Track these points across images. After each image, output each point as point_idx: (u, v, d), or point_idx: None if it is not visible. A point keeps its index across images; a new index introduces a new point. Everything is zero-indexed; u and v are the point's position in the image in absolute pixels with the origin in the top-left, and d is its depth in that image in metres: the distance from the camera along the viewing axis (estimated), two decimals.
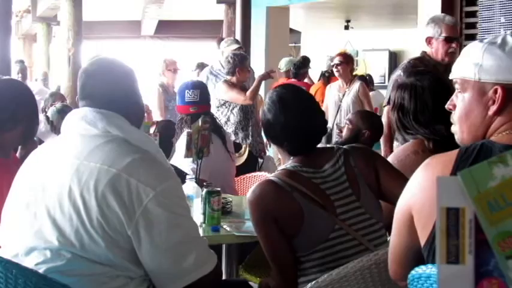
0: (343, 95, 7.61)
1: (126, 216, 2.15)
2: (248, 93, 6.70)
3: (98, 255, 2.17)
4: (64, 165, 2.26)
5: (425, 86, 3.11)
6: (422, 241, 1.79)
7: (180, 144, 4.52)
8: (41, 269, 2.17)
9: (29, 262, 2.20)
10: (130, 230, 2.16)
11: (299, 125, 2.81)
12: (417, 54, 5.01)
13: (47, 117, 6.37)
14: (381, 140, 4.76)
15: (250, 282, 3.41)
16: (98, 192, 2.16)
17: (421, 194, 1.79)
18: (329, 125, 6.20)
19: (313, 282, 2.44)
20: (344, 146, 2.88)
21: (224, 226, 3.38)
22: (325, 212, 2.70)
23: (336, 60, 7.69)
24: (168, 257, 2.21)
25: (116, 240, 2.17)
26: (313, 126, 2.85)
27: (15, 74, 9.02)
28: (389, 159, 3.09)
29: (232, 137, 6.40)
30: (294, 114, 2.82)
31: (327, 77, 9.08)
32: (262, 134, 7.13)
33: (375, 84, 11.28)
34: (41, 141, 4.60)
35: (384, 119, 4.77)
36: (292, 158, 2.84)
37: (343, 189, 2.76)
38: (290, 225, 2.69)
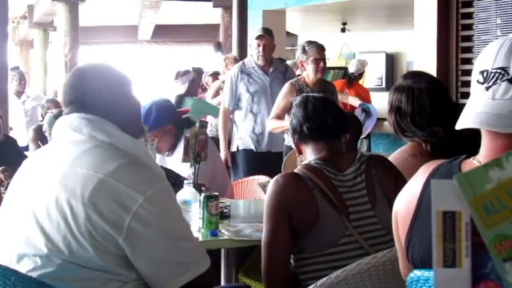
0: None
1: (115, 223, 2.14)
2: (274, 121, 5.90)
3: (87, 261, 2.16)
4: (51, 172, 2.26)
5: (423, 88, 3.11)
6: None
7: None
8: (34, 276, 2.17)
9: (20, 269, 2.19)
10: (122, 237, 2.15)
11: (317, 107, 2.94)
12: (414, 55, 5.03)
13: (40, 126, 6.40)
14: None
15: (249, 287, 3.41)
16: (84, 198, 2.15)
17: (404, 201, 1.80)
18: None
19: (312, 286, 2.45)
20: (367, 154, 2.92)
21: (222, 231, 3.38)
22: (339, 215, 2.71)
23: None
24: (164, 260, 2.21)
25: (105, 246, 2.16)
26: (330, 108, 2.98)
27: (15, 82, 9.01)
28: None
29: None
30: (313, 103, 2.96)
31: (352, 79, 9.22)
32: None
33: (372, 86, 11.29)
34: None
35: None
36: (316, 154, 2.87)
37: (360, 196, 2.78)
38: (303, 223, 2.71)
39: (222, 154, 6.28)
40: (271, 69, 6.40)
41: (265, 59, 6.37)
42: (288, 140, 5.87)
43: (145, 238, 2.17)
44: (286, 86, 5.88)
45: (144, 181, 2.20)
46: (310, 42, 6.01)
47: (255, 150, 6.31)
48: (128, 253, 2.18)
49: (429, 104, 3.08)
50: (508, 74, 1.59)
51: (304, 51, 5.92)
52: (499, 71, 1.60)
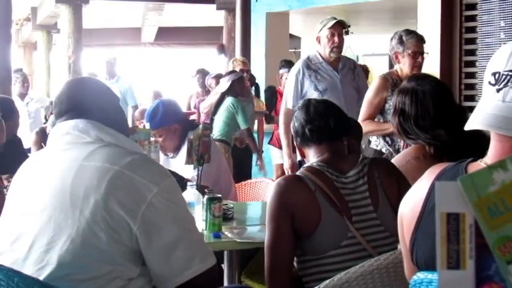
0: None
1: (131, 210, 2.21)
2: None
3: (98, 251, 2.20)
4: (61, 169, 2.31)
5: (426, 91, 3.10)
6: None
7: None
8: (41, 276, 2.19)
9: (28, 268, 2.22)
10: (136, 225, 2.21)
11: (319, 109, 2.95)
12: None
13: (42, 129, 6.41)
14: None
15: None
16: (101, 187, 2.21)
17: (409, 203, 1.79)
18: None
19: None
20: (370, 157, 2.92)
21: (226, 232, 3.38)
22: (341, 217, 2.72)
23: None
24: (174, 250, 2.26)
25: (119, 235, 2.21)
26: (332, 111, 2.99)
27: (18, 84, 9.02)
28: None
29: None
30: (314, 106, 2.97)
31: None
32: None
33: None
34: None
35: None
36: (318, 156, 2.88)
37: (362, 198, 2.77)
38: (306, 224, 2.71)
39: (287, 162, 5.63)
40: (340, 65, 5.63)
41: (339, 52, 5.61)
42: (376, 143, 5.09)
43: (158, 226, 2.23)
44: (379, 81, 5.05)
45: (156, 174, 2.31)
46: (409, 32, 5.16)
47: None
48: (141, 242, 2.23)
49: (433, 107, 3.07)
50: None
51: (400, 41, 5.09)
52: (510, 73, 1.59)
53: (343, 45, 5.67)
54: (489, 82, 1.63)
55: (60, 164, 2.33)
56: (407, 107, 3.10)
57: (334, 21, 5.59)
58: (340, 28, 5.62)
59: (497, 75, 1.62)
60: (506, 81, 1.59)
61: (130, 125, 7.61)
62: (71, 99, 2.49)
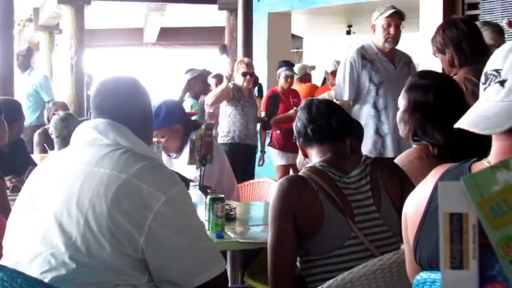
0: None
1: (137, 222, 2.18)
2: None
3: (103, 261, 2.18)
4: (72, 172, 2.30)
5: (442, 89, 3.09)
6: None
7: None
8: (46, 278, 2.18)
9: (33, 270, 2.21)
10: (143, 236, 2.19)
11: (322, 109, 2.94)
12: (419, 58, 4.97)
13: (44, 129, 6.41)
14: None
15: None
16: (108, 197, 2.20)
17: (413, 203, 1.80)
18: None
19: None
20: (373, 157, 2.92)
21: (228, 233, 3.38)
22: (344, 217, 2.72)
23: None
24: (182, 259, 2.25)
25: (123, 247, 2.19)
26: (335, 111, 2.97)
27: None
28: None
29: None
30: (317, 106, 2.95)
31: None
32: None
33: None
34: None
35: None
36: (321, 156, 2.88)
37: (365, 198, 2.78)
38: (308, 225, 2.71)
39: None
40: (397, 58, 5.35)
41: (394, 43, 5.29)
42: None
43: (166, 236, 2.21)
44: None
45: (164, 181, 2.28)
46: (484, 24, 4.85)
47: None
48: (147, 254, 2.21)
49: (446, 105, 3.03)
50: (500, 76, 1.60)
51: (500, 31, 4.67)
52: (493, 72, 1.62)
53: (399, 37, 5.32)
54: (482, 82, 1.65)
55: (72, 166, 2.33)
56: (428, 104, 3.05)
57: (392, 10, 5.26)
58: (397, 19, 5.28)
59: (486, 75, 1.64)
60: (490, 80, 1.62)
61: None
62: (100, 98, 2.51)
